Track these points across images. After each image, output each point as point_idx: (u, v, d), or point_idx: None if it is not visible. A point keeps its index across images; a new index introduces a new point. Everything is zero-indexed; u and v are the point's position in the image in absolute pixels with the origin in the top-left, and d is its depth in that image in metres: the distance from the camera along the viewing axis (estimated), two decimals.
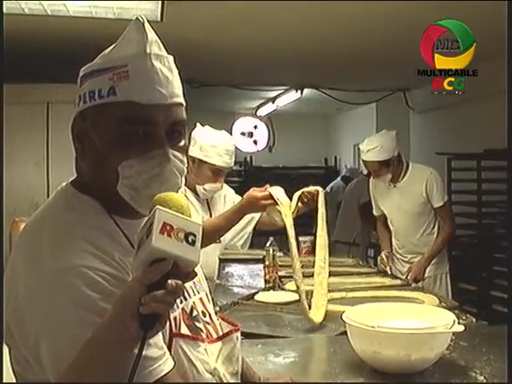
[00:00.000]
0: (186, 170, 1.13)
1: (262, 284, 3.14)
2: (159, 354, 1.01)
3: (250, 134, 8.66)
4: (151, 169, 1.06)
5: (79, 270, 0.99)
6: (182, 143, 1.12)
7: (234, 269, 3.75)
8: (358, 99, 6.75)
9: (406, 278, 3.45)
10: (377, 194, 3.82)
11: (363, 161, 3.69)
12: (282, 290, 2.96)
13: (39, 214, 1.12)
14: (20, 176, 4.20)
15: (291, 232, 2.25)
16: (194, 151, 2.76)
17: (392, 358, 1.71)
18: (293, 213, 2.29)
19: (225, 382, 1.19)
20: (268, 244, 3.07)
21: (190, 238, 0.90)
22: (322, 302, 2.37)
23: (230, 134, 3.10)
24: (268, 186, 2.34)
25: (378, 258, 3.75)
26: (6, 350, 1.12)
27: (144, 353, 0.89)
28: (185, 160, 1.12)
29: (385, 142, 3.55)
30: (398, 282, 3.31)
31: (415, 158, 6.00)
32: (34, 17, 3.40)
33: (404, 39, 3.64)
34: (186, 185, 2.72)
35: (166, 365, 1.02)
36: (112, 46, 1.10)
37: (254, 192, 2.31)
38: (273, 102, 7.53)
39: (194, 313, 1.18)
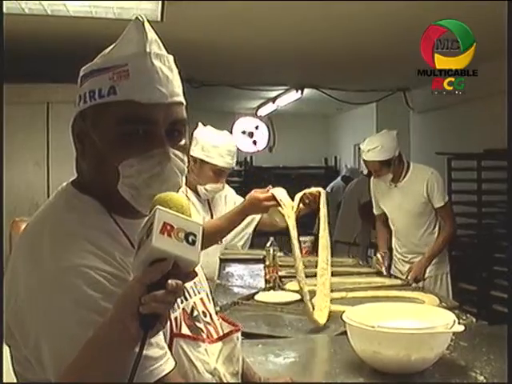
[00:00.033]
0: (186, 169, 1.12)
1: (262, 284, 3.14)
2: (160, 354, 1.01)
3: (251, 134, 8.67)
4: (152, 168, 1.06)
5: (80, 269, 0.99)
6: (183, 142, 1.12)
7: (234, 269, 3.75)
8: (358, 99, 6.76)
9: (407, 277, 3.45)
10: (378, 194, 3.82)
11: (364, 161, 3.68)
12: (283, 290, 2.96)
13: (39, 214, 1.12)
14: (20, 176, 4.20)
15: (294, 233, 2.24)
16: (195, 151, 2.76)
17: (392, 358, 1.71)
18: (294, 214, 2.29)
19: (225, 382, 1.19)
20: (268, 244, 3.07)
21: (191, 238, 0.90)
22: (325, 304, 2.37)
23: (230, 133, 3.09)
24: (270, 187, 2.34)
25: (374, 257, 3.71)
26: (6, 349, 1.12)
27: (145, 352, 0.90)
28: (185, 159, 1.12)
29: (386, 142, 3.55)
30: (398, 281, 3.31)
31: (415, 157, 5.99)
32: (34, 17, 3.40)
33: (404, 39, 3.64)
34: (187, 185, 2.72)
35: (167, 364, 1.02)
36: (112, 46, 1.10)
37: (257, 193, 2.30)
38: (273, 102, 7.53)
39: (195, 313, 1.18)
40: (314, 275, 2.50)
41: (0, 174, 2.60)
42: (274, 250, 3.05)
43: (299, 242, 2.33)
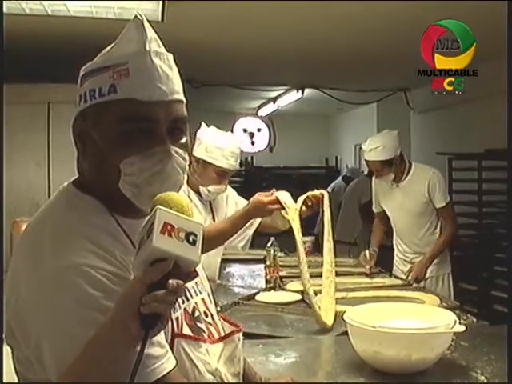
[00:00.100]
0: (187, 166, 1.12)
1: (262, 284, 3.14)
2: (161, 353, 1.01)
3: (251, 135, 8.67)
4: (153, 166, 1.06)
5: (81, 268, 0.99)
6: (184, 140, 1.12)
7: (234, 269, 3.76)
8: (359, 99, 6.75)
9: (408, 277, 3.45)
10: (379, 194, 3.82)
11: (366, 160, 3.68)
12: (283, 290, 2.97)
13: (40, 213, 1.12)
14: (21, 176, 4.20)
15: (299, 238, 2.25)
16: (198, 152, 2.72)
17: (393, 358, 1.71)
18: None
19: (226, 382, 1.19)
20: (269, 244, 3.07)
21: (191, 238, 0.90)
22: (331, 306, 2.37)
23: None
24: (274, 190, 2.33)
25: (362, 253, 3.62)
26: (6, 349, 1.12)
27: (146, 351, 0.89)
28: (186, 157, 1.12)
29: (387, 142, 3.54)
30: (399, 281, 3.31)
31: (416, 157, 5.99)
32: (35, 17, 3.39)
33: (404, 39, 3.64)
34: (189, 186, 2.71)
35: (168, 363, 1.02)
36: (112, 45, 1.10)
37: (260, 197, 2.29)
38: (274, 102, 7.53)
39: (196, 313, 1.18)
40: (317, 275, 2.51)
41: (0, 174, 2.60)
42: (274, 250, 3.05)
43: None
